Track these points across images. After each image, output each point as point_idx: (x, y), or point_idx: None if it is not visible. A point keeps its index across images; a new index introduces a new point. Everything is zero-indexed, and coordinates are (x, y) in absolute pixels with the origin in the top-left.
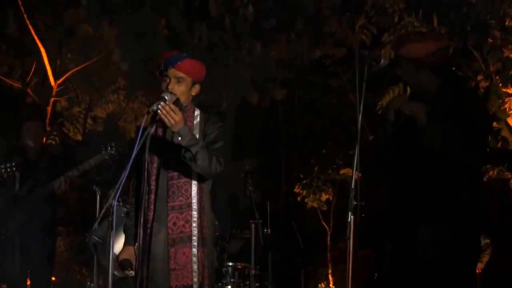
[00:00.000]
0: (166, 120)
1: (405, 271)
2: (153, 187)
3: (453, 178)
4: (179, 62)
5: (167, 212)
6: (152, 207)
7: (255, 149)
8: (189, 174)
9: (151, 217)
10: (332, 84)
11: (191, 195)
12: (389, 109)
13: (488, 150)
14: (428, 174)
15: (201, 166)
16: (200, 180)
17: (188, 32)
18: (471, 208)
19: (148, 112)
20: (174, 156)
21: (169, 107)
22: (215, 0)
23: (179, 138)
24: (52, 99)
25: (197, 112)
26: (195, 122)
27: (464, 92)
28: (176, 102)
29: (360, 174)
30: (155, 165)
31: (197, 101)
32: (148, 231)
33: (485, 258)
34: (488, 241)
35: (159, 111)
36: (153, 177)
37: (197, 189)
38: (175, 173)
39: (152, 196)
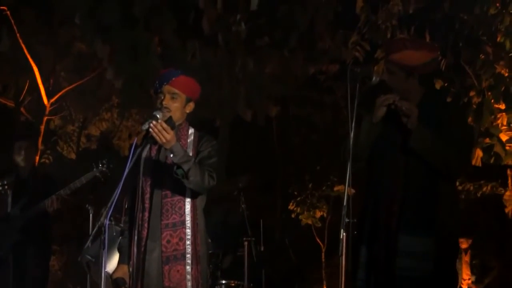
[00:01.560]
0: (157, 138)
1: (382, 281)
2: (147, 205)
3: (435, 189)
4: (174, 78)
5: (161, 230)
6: (146, 225)
7: (250, 165)
8: (183, 192)
9: (145, 235)
10: (327, 100)
11: (184, 212)
12: (380, 106)
13: (472, 163)
14: (411, 184)
15: (193, 182)
16: (194, 197)
17: (182, 50)
18: (450, 221)
19: (139, 132)
20: (167, 174)
21: (161, 126)
22: (208, 17)
23: (171, 155)
24: (45, 118)
25: (191, 131)
26: (188, 140)
27: (446, 104)
28: (168, 121)
29: (353, 191)
30: (149, 183)
31: (190, 118)
32: (142, 248)
33: (487, 280)
34: (494, 263)
35: (150, 129)
36: (147, 195)
37: (191, 207)
38: (169, 191)
39: (146, 214)
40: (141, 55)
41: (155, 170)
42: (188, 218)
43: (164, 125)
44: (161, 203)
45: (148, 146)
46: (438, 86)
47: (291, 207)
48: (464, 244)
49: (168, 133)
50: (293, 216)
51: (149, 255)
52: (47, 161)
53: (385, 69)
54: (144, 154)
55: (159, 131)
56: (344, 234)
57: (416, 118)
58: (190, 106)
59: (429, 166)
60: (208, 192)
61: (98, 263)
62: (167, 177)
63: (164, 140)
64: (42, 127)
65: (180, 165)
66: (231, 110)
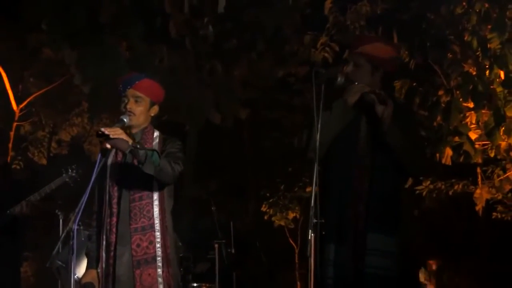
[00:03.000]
0: (116, 142)
1: (350, 279)
2: (115, 210)
3: (398, 187)
4: (137, 82)
5: (130, 234)
6: (114, 229)
7: (221, 168)
8: (150, 195)
9: (113, 239)
10: (297, 102)
11: (153, 216)
12: (356, 92)
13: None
14: (377, 181)
15: (163, 169)
16: (162, 200)
17: (149, 54)
18: (409, 219)
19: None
20: (135, 178)
21: (108, 131)
22: (175, 21)
23: (139, 151)
24: (15, 124)
25: (156, 134)
26: (153, 143)
27: (400, 104)
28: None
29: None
30: (116, 188)
31: (155, 122)
32: (111, 253)
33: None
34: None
35: (108, 146)
36: (115, 200)
37: (159, 210)
38: (137, 195)
39: (114, 219)
40: (109, 60)
41: (122, 174)
42: (157, 221)
43: (109, 128)
44: (129, 207)
45: (114, 150)
46: (406, 85)
47: (263, 209)
48: (433, 265)
49: (118, 131)
50: (265, 218)
51: (119, 260)
52: (18, 167)
53: (351, 62)
54: (110, 159)
55: (113, 135)
56: (312, 234)
57: (391, 112)
58: (155, 110)
59: (394, 164)
60: (178, 195)
61: (68, 268)
62: (134, 181)
63: (120, 145)
64: (12, 133)
65: (150, 151)
66: (201, 113)
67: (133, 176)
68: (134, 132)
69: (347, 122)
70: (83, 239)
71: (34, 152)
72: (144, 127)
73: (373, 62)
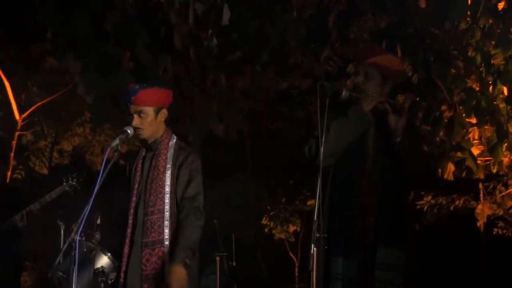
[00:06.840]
0: None
1: None
2: (130, 221)
3: (404, 201)
4: (133, 97)
5: (141, 248)
6: (127, 241)
7: (222, 180)
8: (162, 210)
9: (127, 250)
10: (299, 114)
11: (163, 231)
12: (369, 102)
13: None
14: (385, 196)
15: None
16: (173, 215)
17: (153, 64)
18: (414, 232)
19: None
20: (151, 192)
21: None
22: (180, 32)
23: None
24: (17, 133)
25: (172, 142)
26: (168, 154)
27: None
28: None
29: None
30: (134, 198)
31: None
32: (124, 262)
33: None
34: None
35: None
36: (131, 211)
37: (169, 225)
38: (150, 209)
39: (128, 230)
40: (112, 70)
41: (139, 187)
42: (166, 237)
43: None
44: (143, 220)
45: (135, 162)
46: (409, 100)
47: (264, 221)
48: None
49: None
50: (266, 230)
51: (130, 271)
52: (19, 176)
53: (362, 72)
54: (133, 171)
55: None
56: (314, 249)
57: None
58: (163, 113)
59: (401, 177)
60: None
61: (69, 280)
62: (150, 194)
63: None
64: (14, 143)
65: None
66: (204, 125)
67: (150, 190)
68: (149, 143)
69: (362, 130)
70: (85, 249)
71: (35, 162)
72: (159, 135)
73: (384, 73)
